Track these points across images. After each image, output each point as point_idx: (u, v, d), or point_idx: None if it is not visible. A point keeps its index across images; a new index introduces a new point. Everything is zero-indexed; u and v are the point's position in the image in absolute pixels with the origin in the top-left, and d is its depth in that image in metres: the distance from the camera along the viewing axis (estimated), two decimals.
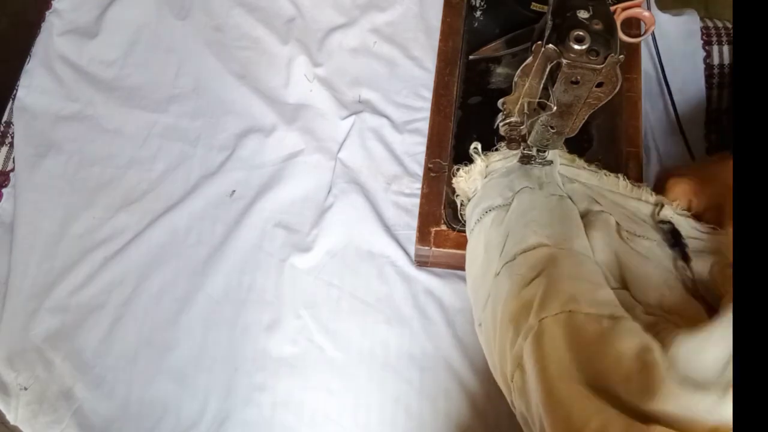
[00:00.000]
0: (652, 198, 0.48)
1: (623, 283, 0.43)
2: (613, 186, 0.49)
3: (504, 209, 0.47)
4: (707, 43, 0.67)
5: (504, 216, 0.46)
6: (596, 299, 0.38)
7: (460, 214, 0.52)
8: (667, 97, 0.63)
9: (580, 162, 0.50)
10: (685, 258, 0.45)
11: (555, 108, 0.40)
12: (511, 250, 0.43)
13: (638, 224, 0.47)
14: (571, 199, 0.48)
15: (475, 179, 0.50)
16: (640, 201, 0.48)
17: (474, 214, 0.48)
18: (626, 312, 0.38)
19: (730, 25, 0.69)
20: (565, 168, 0.50)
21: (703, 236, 0.45)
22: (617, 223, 0.46)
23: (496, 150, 0.50)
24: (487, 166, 0.50)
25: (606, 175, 0.49)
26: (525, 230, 0.43)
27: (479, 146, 0.50)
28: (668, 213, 0.46)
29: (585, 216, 0.47)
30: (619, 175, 0.49)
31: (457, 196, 0.52)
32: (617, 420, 0.30)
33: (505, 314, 0.40)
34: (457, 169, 0.51)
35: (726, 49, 0.67)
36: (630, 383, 0.33)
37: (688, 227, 0.46)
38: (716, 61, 0.67)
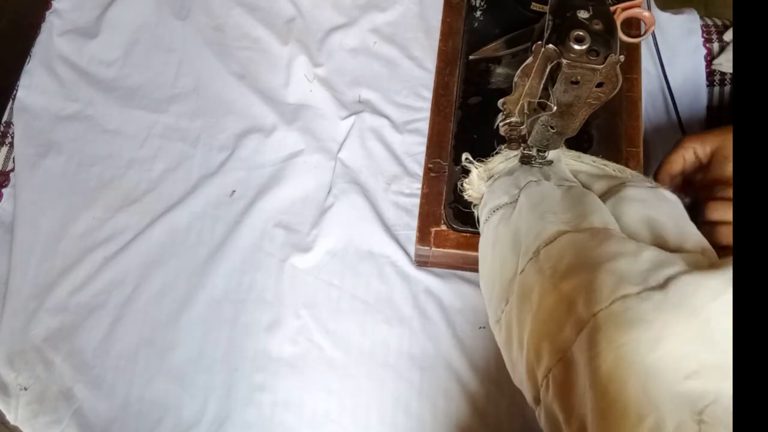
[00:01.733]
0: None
1: (662, 240, 0.42)
2: (620, 173, 0.49)
3: (511, 207, 0.46)
4: (708, 41, 0.67)
5: (511, 213, 0.46)
6: (639, 270, 0.36)
7: (477, 219, 0.52)
8: (668, 96, 0.62)
9: (586, 157, 0.50)
10: None
11: (555, 108, 0.40)
12: (532, 246, 0.42)
13: None
14: (583, 185, 0.48)
15: (479, 185, 0.50)
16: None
17: (482, 215, 0.49)
18: (672, 261, 0.37)
19: (730, 24, 0.68)
20: (573, 163, 0.50)
21: None
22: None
23: (497, 154, 0.51)
24: (485, 171, 0.50)
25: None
26: (541, 222, 0.43)
27: (470, 155, 0.51)
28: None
29: (609, 191, 0.47)
30: (625, 168, 0.49)
31: (475, 206, 0.52)
32: (671, 417, 0.30)
33: (542, 310, 0.39)
34: (461, 185, 0.52)
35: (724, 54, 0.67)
36: None
37: None
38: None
